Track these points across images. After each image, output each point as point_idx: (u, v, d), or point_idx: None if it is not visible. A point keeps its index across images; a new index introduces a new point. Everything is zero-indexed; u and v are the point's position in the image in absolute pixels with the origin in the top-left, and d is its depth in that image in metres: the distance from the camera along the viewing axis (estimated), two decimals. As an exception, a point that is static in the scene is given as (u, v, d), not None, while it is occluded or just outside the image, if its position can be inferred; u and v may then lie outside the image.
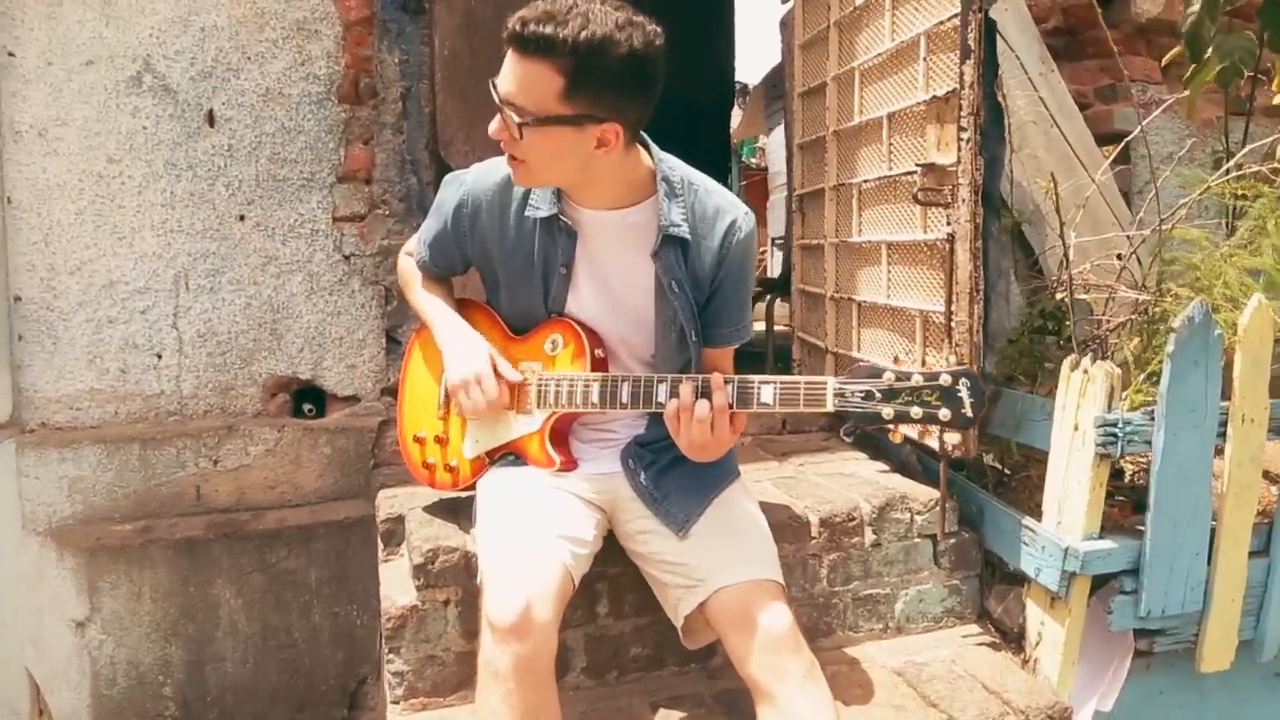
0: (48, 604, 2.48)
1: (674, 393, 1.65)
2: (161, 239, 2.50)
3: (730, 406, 1.62)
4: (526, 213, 1.77)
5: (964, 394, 1.51)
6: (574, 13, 1.48)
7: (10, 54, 2.38)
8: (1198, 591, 2.04)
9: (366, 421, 2.65)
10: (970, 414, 1.50)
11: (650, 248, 1.72)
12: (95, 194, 2.46)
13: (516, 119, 1.52)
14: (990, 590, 2.28)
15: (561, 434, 1.86)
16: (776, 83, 8.97)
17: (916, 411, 1.52)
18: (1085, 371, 2.03)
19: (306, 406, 2.65)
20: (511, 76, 1.52)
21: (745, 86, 11.60)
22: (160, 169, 2.48)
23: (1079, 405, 2.04)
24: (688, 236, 1.72)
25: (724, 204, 1.77)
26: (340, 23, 2.55)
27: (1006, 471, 2.50)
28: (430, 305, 1.93)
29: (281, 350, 2.60)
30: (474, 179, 1.83)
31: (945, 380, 1.51)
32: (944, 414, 1.51)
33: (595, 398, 1.74)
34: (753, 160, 14.07)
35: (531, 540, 1.66)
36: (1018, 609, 2.20)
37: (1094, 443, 1.98)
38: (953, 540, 2.24)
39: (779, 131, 9.09)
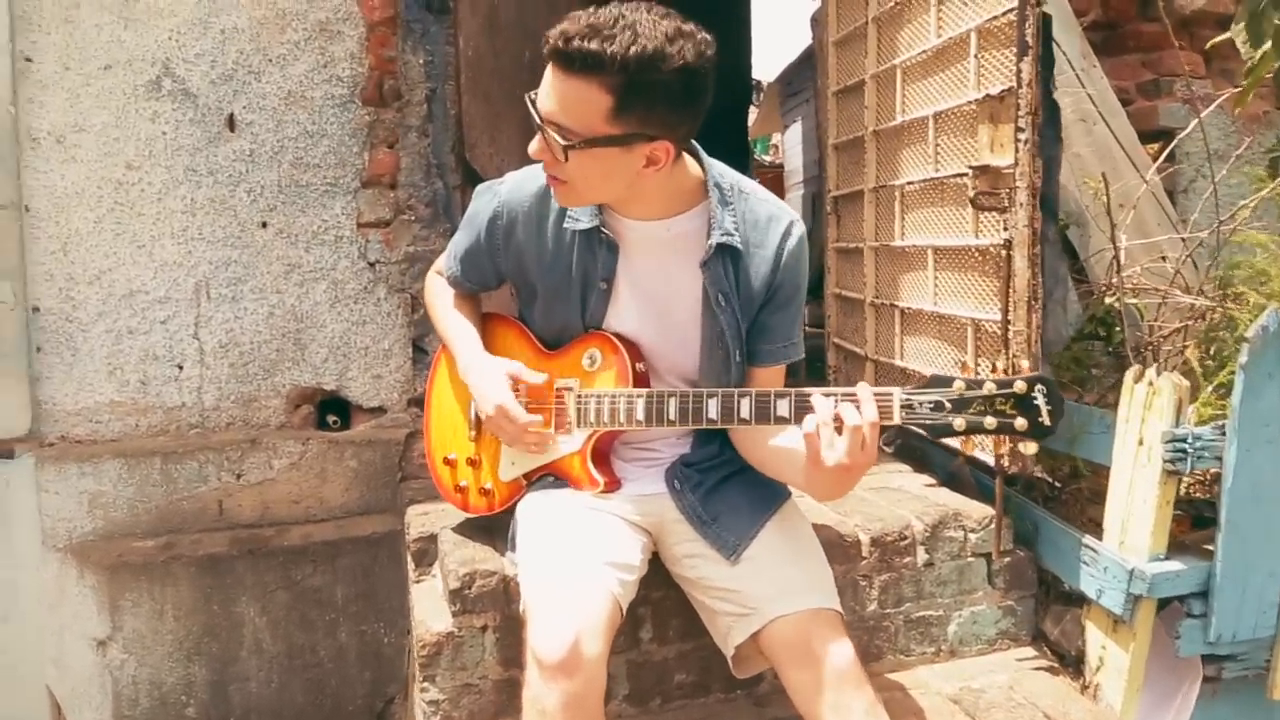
0: (68, 622, 2.41)
1: (804, 409, 1.48)
2: (182, 247, 2.43)
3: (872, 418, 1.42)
4: (565, 224, 1.68)
5: (1040, 401, 1.41)
6: (621, 25, 1.37)
7: (28, 59, 2.31)
8: (1270, 615, 1.94)
9: (393, 434, 2.57)
10: (1049, 423, 1.41)
11: (699, 258, 1.63)
12: (114, 201, 2.38)
13: (561, 141, 1.42)
14: (1047, 611, 2.19)
15: (604, 453, 1.78)
16: (792, 80, 8.89)
17: (990, 422, 1.43)
18: (1151, 383, 1.93)
19: (331, 418, 2.58)
20: (554, 95, 1.42)
21: (759, 84, 11.50)
22: (180, 175, 2.41)
23: (1144, 419, 1.94)
24: (740, 246, 1.63)
25: (775, 210, 1.68)
26: (363, 23, 2.47)
27: (1058, 485, 2.41)
28: (452, 330, 1.84)
29: (305, 360, 2.53)
30: (509, 190, 1.74)
31: (1020, 387, 1.42)
32: (1020, 423, 1.41)
33: (640, 414, 1.66)
34: (766, 157, 13.96)
35: (578, 569, 1.58)
36: (1076, 631, 2.10)
37: (1161, 459, 1.89)
38: (1007, 560, 2.15)
39: (794, 129, 9.01)
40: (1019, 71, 1.93)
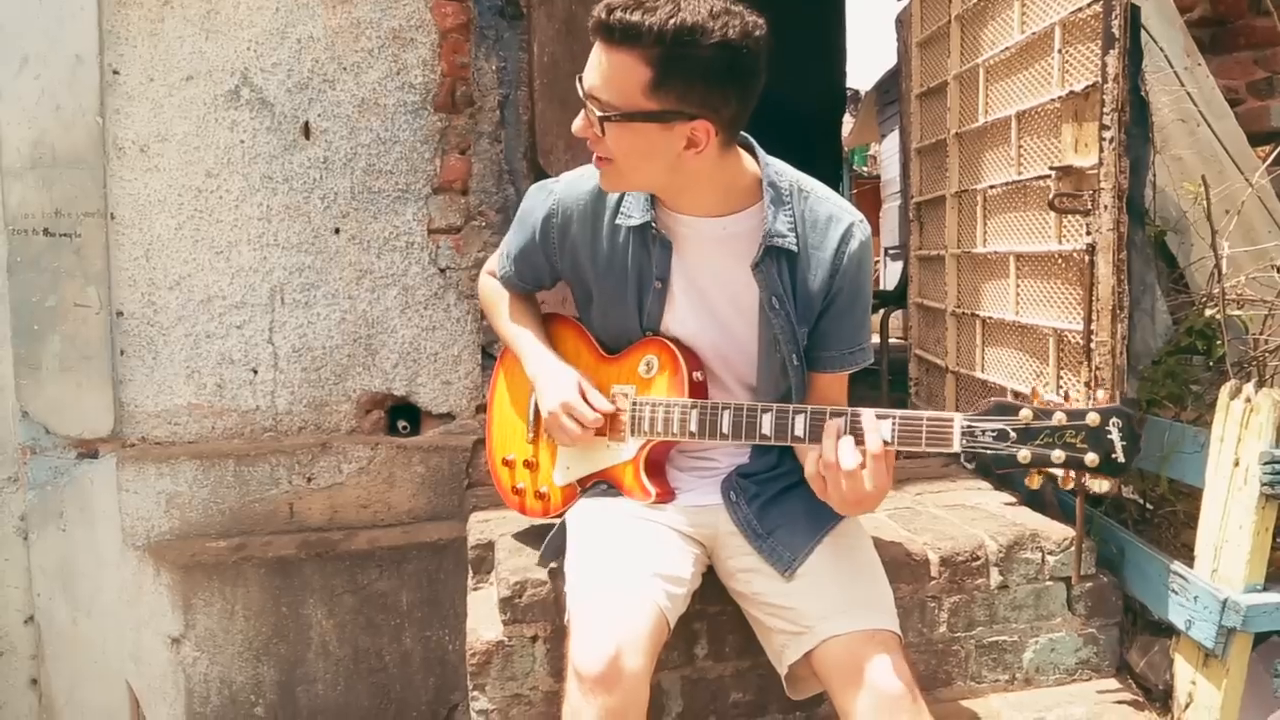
0: (146, 619, 2.48)
1: (814, 430, 1.46)
2: (258, 253, 2.48)
3: (886, 443, 1.40)
4: (619, 221, 1.65)
5: (1114, 435, 1.30)
6: (677, 10, 1.34)
7: (115, 72, 2.39)
8: (1384, 654, 1.78)
9: (461, 440, 2.58)
10: (1123, 460, 1.30)
11: (752, 259, 1.58)
12: (194, 208, 2.45)
13: (599, 113, 1.40)
14: (1132, 641, 2.05)
15: (657, 463, 1.73)
16: (889, 88, 8.71)
17: (1058, 455, 1.32)
18: (1248, 400, 1.79)
19: (401, 424, 2.60)
20: (596, 68, 1.40)
21: (857, 93, 11.32)
22: (257, 182, 2.46)
23: (1240, 438, 1.80)
24: (794, 248, 1.57)
25: (836, 210, 1.61)
26: (436, 30, 2.49)
27: (1149, 507, 2.26)
28: (516, 331, 1.83)
29: (376, 366, 2.55)
30: (563, 187, 1.72)
31: (1093, 420, 1.31)
32: (1090, 459, 1.31)
33: (694, 426, 1.61)
34: (864, 169, 13.75)
35: (623, 580, 1.53)
36: (1164, 664, 1.96)
37: (1259, 481, 1.75)
38: (1089, 584, 2.02)
39: (891, 138, 8.82)
40: (1104, 66, 1.82)
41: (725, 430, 1.57)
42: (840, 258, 1.59)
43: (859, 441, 1.41)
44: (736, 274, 1.62)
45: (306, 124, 2.46)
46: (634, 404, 1.68)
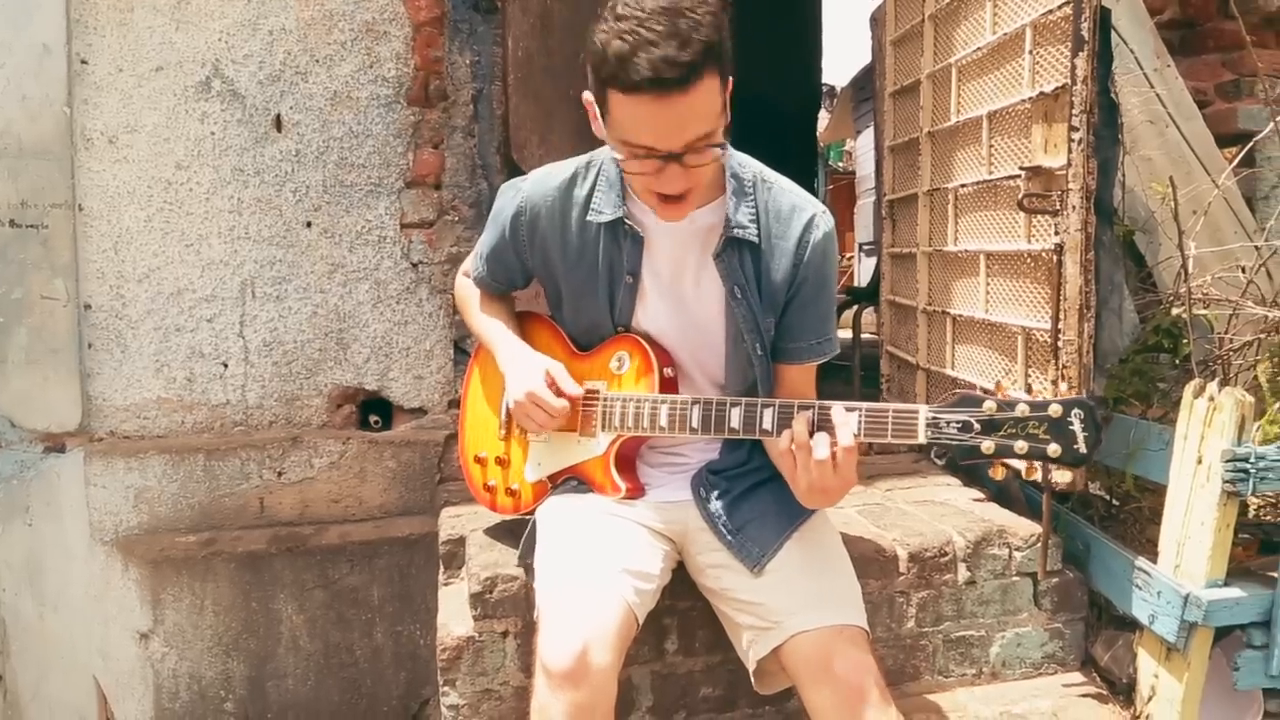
0: (113, 614, 2.46)
1: (784, 424, 1.48)
2: (228, 246, 2.46)
3: (856, 435, 1.42)
4: (589, 218, 1.65)
5: (1076, 427, 1.33)
6: (686, 15, 1.32)
7: (83, 61, 2.36)
8: (1341, 648, 1.81)
9: (432, 435, 2.57)
10: (1084, 450, 1.32)
11: (714, 250, 1.59)
12: (164, 201, 2.43)
13: (716, 148, 1.39)
14: (1096, 635, 2.08)
15: (628, 459, 1.74)
16: (865, 84, 8.75)
17: (1021, 446, 1.35)
18: (1212, 399, 1.81)
19: (373, 418, 2.58)
20: (684, 116, 1.35)
21: (833, 89, 11.36)
22: (228, 175, 2.44)
23: (1203, 436, 1.82)
24: (755, 239, 1.58)
25: (799, 201, 1.62)
26: (410, 23, 2.47)
27: (1115, 503, 2.29)
28: (489, 326, 1.83)
29: (347, 360, 2.54)
30: (531, 185, 1.71)
31: (1055, 411, 1.33)
32: (1053, 449, 1.33)
33: (664, 421, 1.62)
34: (840, 164, 13.80)
35: (592, 576, 1.54)
36: (1127, 658, 1.99)
37: (1221, 479, 1.77)
38: (1055, 580, 2.05)
39: (867, 134, 8.86)
40: (1074, 68, 1.84)
41: (694, 424, 1.58)
42: (804, 248, 1.60)
43: (831, 434, 1.42)
44: (704, 266, 1.63)
45: (278, 116, 2.44)
46: (605, 400, 1.69)
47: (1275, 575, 1.81)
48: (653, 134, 1.37)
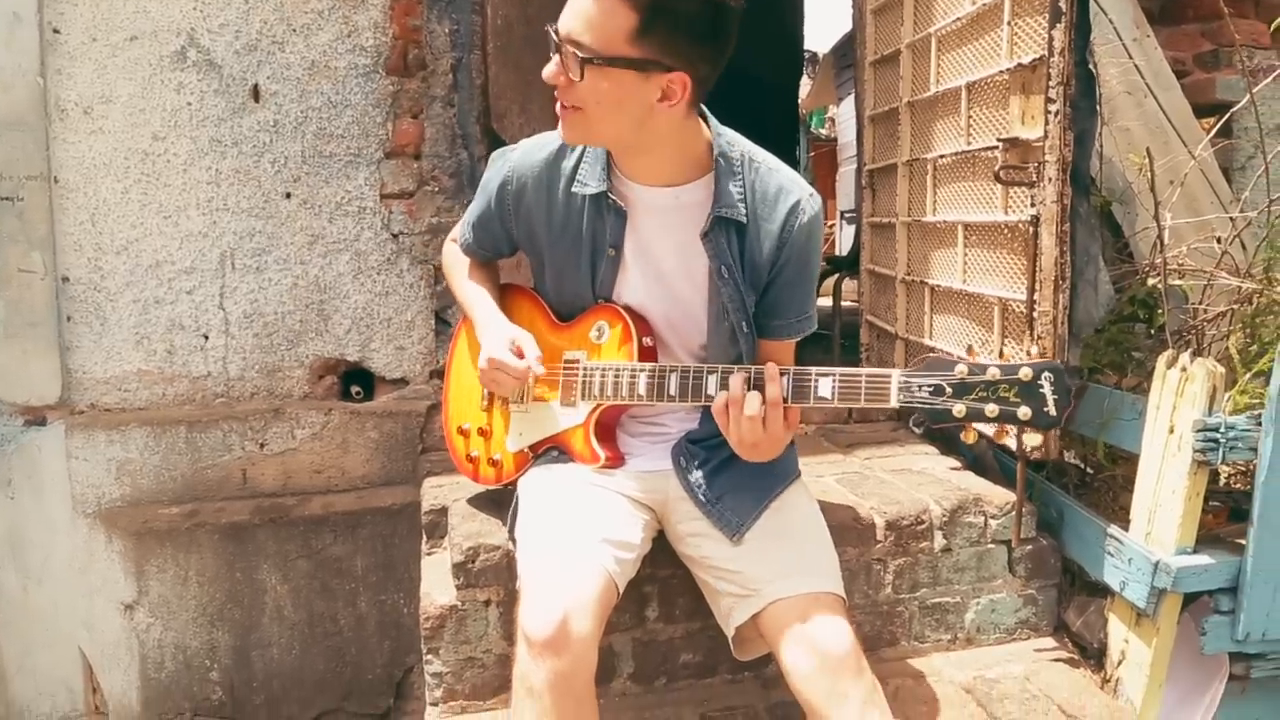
0: (98, 586, 2.47)
1: (723, 384, 1.52)
2: (207, 217, 2.45)
3: (785, 400, 1.48)
4: (574, 189, 1.65)
5: (1046, 390, 1.35)
6: None
7: (55, 30, 2.33)
8: (1304, 613, 1.86)
9: (415, 405, 2.58)
10: (1054, 413, 1.34)
11: (701, 229, 1.60)
12: (141, 172, 2.41)
13: (580, 56, 1.40)
14: (1069, 601, 2.12)
15: (608, 428, 1.75)
16: (847, 51, 8.70)
17: (992, 409, 1.37)
18: (1184, 369, 1.84)
19: (354, 389, 2.59)
20: (577, 12, 1.40)
21: (815, 55, 11.29)
22: (205, 146, 2.42)
23: (1175, 406, 1.85)
24: (743, 219, 1.59)
25: (787, 183, 1.63)
26: (388, -10, 2.45)
27: (1089, 471, 2.33)
28: (471, 295, 1.84)
29: (329, 331, 2.54)
30: (519, 155, 1.72)
31: (1025, 374, 1.35)
32: (1023, 412, 1.35)
33: (642, 389, 1.63)
34: (822, 131, 13.74)
35: (572, 546, 1.56)
36: (1099, 623, 2.03)
37: (1191, 448, 1.80)
38: (1029, 547, 2.08)
39: (849, 102, 8.83)
40: (1050, 39, 1.84)
41: (673, 392, 1.59)
42: (788, 231, 1.61)
43: (761, 391, 1.47)
44: (688, 243, 1.63)
45: (256, 86, 2.42)
46: (584, 369, 1.70)
47: (1243, 543, 1.85)
48: (564, 11, 1.42)
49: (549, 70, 1.46)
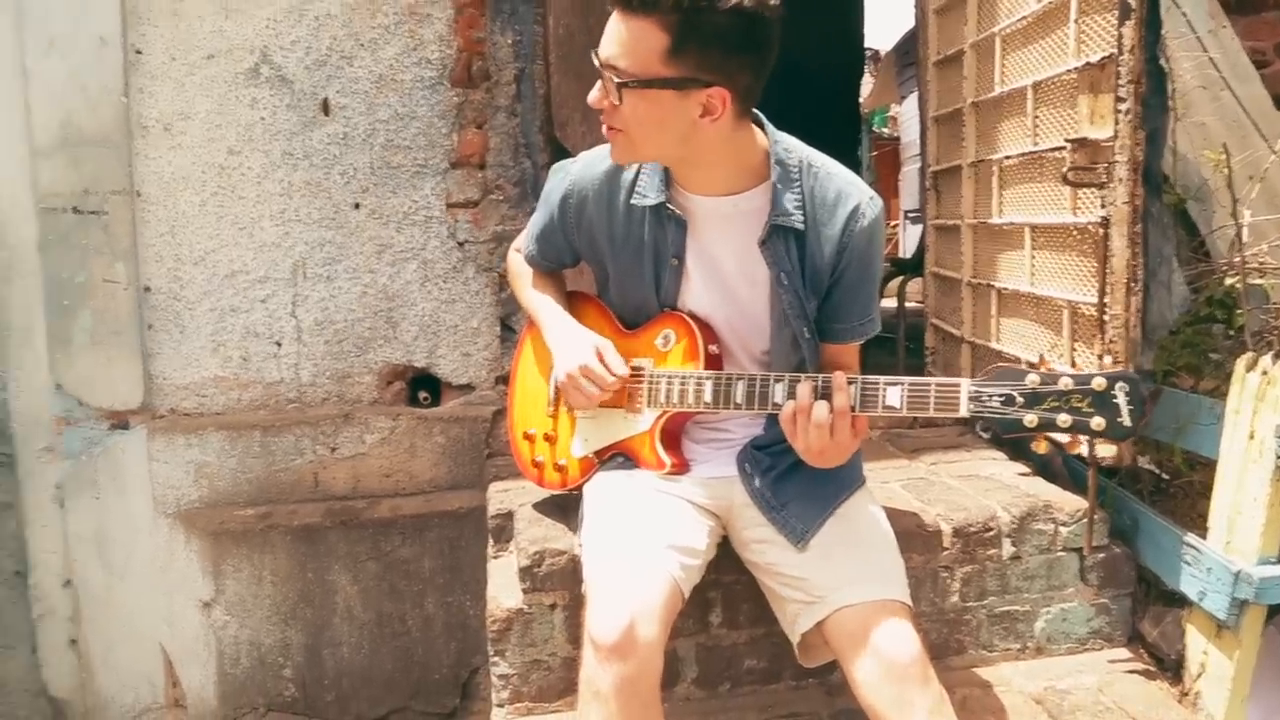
0: (177, 584, 2.56)
1: (791, 393, 1.51)
2: (280, 228, 2.52)
3: (852, 409, 1.47)
4: (634, 201, 1.67)
5: (1121, 400, 1.32)
6: None
7: (138, 51, 2.42)
8: (1395, 625, 1.79)
9: (480, 411, 2.62)
10: (1129, 424, 1.32)
11: (759, 237, 1.60)
12: (217, 185, 2.49)
13: (616, 81, 1.42)
14: (1144, 612, 2.07)
15: (673, 434, 1.76)
16: (909, 49, 8.58)
17: (1064, 419, 1.34)
18: (1264, 372, 1.79)
19: (422, 395, 2.64)
20: (613, 37, 1.43)
21: (876, 53, 11.18)
22: (278, 159, 2.49)
23: (1256, 411, 1.80)
24: (801, 226, 1.59)
25: (846, 188, 1.62)
26: (451, 5, 2.50)
27: (1165, 477, 2.27)
28: (539, 302, 1.86)
29: (397, 338, 2.60)
30: (580, 168, 1.74)
31: (1099, 384, 1.33)
32: (1097, 423, 1.32)
33: (708, 396, 1.63)
34: (884, 130, 13.59)
35: (638, 552, 1.57)
36: (1176, 634, 1.98)
37: (1274, 454, 1.75)
38: (1102, 555, 2.04)
39: (912, 100, 8.71)
40: (1120, 37, 1.81)
41: (739, 400, 1.60)
42: (848, 235, 1.60)
43: (829, 399, 1.46)
44: (748, 251, 1.64)
45: (325, 100, 2.49)
46: (650, 376, 1.71)
47: (1329, 551, 1.79)
48: (605, 43, 1.44)
49: (593, 96, 1.49)
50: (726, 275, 1.69)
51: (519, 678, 1.90)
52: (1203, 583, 1.87)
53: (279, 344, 2.56)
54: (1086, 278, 2.02)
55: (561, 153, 2.68)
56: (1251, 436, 1.81)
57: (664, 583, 1.53)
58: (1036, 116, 2.22)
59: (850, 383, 1.48)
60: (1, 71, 2.38)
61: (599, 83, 1.46)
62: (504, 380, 2.64)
